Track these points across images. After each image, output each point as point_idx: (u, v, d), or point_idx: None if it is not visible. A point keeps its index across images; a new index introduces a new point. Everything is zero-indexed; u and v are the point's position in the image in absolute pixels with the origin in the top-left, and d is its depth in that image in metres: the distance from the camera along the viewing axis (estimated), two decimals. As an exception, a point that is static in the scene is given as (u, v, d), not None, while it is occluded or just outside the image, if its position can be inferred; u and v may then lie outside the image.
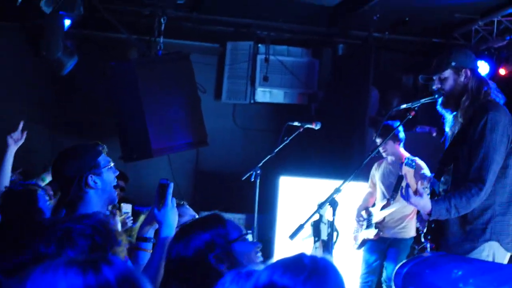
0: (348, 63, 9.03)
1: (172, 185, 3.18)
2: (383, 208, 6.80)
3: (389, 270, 6.85)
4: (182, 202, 4.08)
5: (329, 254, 4.54)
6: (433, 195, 4.19)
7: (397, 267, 3.43)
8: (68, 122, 8.86)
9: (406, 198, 3.92)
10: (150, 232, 3.19)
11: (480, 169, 3.97)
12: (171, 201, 3.13)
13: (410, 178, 3.98)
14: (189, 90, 8.07)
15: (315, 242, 7.06)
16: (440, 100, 4.29)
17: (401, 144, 6.84)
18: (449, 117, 4.32)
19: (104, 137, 8.50)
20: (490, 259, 4.01)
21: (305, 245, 7.03)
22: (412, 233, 6.89)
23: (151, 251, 3.14)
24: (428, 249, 4.17)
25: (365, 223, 6.95)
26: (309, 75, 9.22)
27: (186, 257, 2.59)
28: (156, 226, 3.11)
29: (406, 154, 6.75)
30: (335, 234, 6.93)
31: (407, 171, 3.99)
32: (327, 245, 4.59)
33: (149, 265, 2.98)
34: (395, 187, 6.62)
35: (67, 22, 6.76)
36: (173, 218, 3.11)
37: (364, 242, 7.01)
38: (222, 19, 8.56)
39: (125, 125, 7.94)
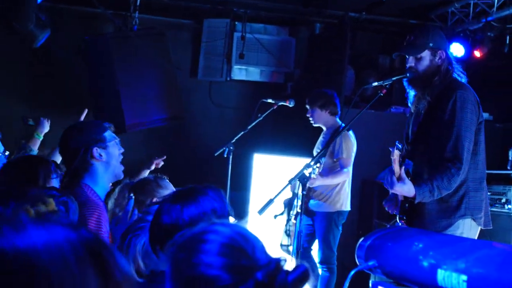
0: (324, 42, 9.03)
1: (131, 202, 3.31)
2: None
3: (319, 252, 6.63)
4: (163, 177, 4.11)
5: (301, 230, 4.59)
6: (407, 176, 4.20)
7: (360, 240, 3.47)
8: (42, 95, 8.80)
9: (390, 186, 3.92)
10: None
11: (455, 148, 3.99)
12: None
13: (396, 164, 3.97)
14: (164, 66, 8.03)
15: (288, 219, 7.11)
16: (409, 77, 4.31)
17: (336, 116, 6.72)
18: (411, 93, 4.36)
19: (78, 111, 8.50)
20: (464, 235, 4.07)
21: (278, 222, 7.09)
22: (338, 206, 6.57)
23: None
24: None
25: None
26: (285, 53, 9.21)
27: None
28: None
29: (340, 124, 6.64)
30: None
31: (397, 155, 3.92)
32: (300, 220, 4.59)
33: None
34: (317, 159, 6.47)
35: (40, -5, 6.71)
36: None
37: (296, 215, 6.67)
38: (199, -5, 8.53)
39: (99, 99, 7.90)
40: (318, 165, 5.90)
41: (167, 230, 2.43)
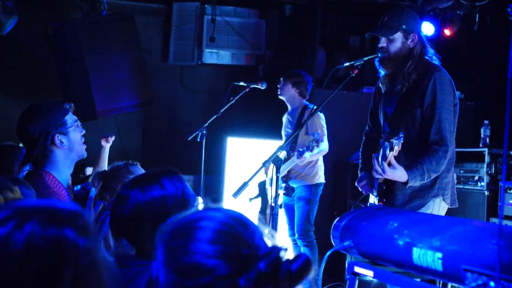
0: (295, 24, 9.01)
1: (93, 190, 3.20)
2: (285, 161, 6.72)
3: (297, 225, 6.78)
4: (135, 163, 4.07)
5: (276, 212, 4.56)
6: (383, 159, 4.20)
7: (335, 220, 3.47)
8: (11, 84, 8.67)
9: (382, 172, 3.92)
10: None
11: (439, 131, 4.05)
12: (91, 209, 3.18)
13: (394, 152, 3.95)
14: (134, 51, 7.95)
15: (262, 202, 7.12)
16: (380, 57, 4.32)
17: (304, 100, 6.88)
18: (382, 73, 4.38)
19: (48, 98, 8.38)
20: (434, 214, 4.12)
21: (253, 205, 7.09)
22: (316, 179, 6.80)
23: None
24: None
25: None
26: (256, 36, 9.18)
27: (147, 213, 2.41)
28: None
29: (305, 103, 6.84)
30: (281, 192, 7.04)
31: (400, 145, 3.90)
32: (275, 203, 4.57)
33: None
34: (293, 138, 6.61)
35: (6, -19, 6.59)
36: None
37: (275, 199, 6.85)
38: (168, -21, 8.44)
39: (69, 86, 7.80)
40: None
41: (117, 219, 2.43)
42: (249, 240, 1.54)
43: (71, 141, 3.38)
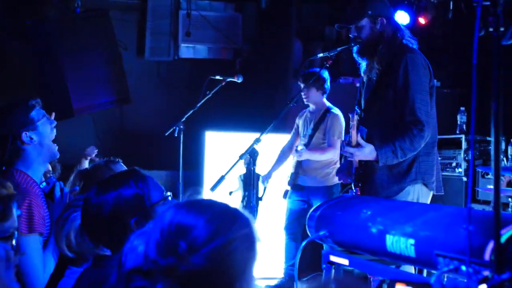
0: (271, 16, 9.00)
1: (57, 184, 3.22)
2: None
3: None
4: (117, 160, 4.04)
5: (255, 205, 4.56)
6: None
7: (310, 210, 3.47)
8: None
9: (350, 156, 3.96)
10: None
11: (412, 112, 4.03)
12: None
13: (354, 130, 3.99)
14: (109, 47, 7.93)
15: (243, 195, 7.11)
16: (356, 48, 4.34)
17: (325, 95, 6.85)
18: (363, 64, 4.39)
19: (28, 96, 8.28)
20: (415, 200, 4.12)
21: (234, 198, 7.08)
22: (335, 180, 6.75)
23: None
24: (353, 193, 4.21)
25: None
26: (232, 29, 9.16)
27: (104, 216, 2.36)
28: None
29: (328, 104, 6.83)
30: (261, 185, 7.07)
31: (356, 121, 3.96)
32: (252, 196, 4.57)
33: None
34: (310, 136, 6.72)
35: (-23, -20, 6.53)
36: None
37: (286, 191, 7.01)
38: (142, -27, 8.41)
39: (45, 85, 7.77)
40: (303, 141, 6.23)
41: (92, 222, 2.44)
42: (170, 253, 1.68)
43: (41, 135, 3.37)
